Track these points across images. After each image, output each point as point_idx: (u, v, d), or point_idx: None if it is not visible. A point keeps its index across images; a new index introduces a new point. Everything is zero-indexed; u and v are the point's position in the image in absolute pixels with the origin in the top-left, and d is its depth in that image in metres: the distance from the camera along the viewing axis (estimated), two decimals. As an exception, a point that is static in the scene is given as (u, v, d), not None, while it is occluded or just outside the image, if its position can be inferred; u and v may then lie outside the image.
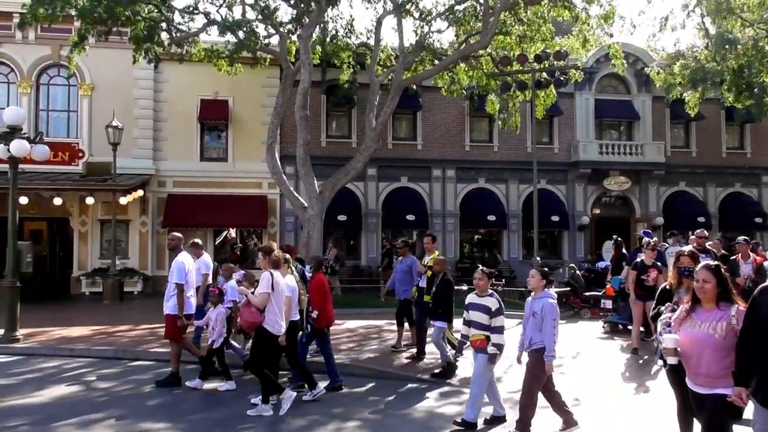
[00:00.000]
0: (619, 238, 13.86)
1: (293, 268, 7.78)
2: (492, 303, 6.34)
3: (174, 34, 16.74)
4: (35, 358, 10.32)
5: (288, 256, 7.72)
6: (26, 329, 11.69)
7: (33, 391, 8.02)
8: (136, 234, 20.94)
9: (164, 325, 8.52)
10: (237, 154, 22.17)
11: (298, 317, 7.59)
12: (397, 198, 23.14)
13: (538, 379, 5.89)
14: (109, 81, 20.84)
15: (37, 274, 23.32)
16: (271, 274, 6.89)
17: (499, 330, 6.27)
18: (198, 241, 11.83)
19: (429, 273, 9.16)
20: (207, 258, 11.57)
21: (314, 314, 7.86)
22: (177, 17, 17.00)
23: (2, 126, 11.80)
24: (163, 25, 16.59)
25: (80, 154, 17.79)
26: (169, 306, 8.23)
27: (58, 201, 17.82)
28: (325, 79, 22.48)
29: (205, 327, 8.88)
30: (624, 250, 13.65)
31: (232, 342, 8.77)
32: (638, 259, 10.22)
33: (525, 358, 6.12)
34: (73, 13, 16.05)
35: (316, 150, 22.42)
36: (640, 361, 9.65)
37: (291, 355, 7.51)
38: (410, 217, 22.50)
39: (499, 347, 6.24)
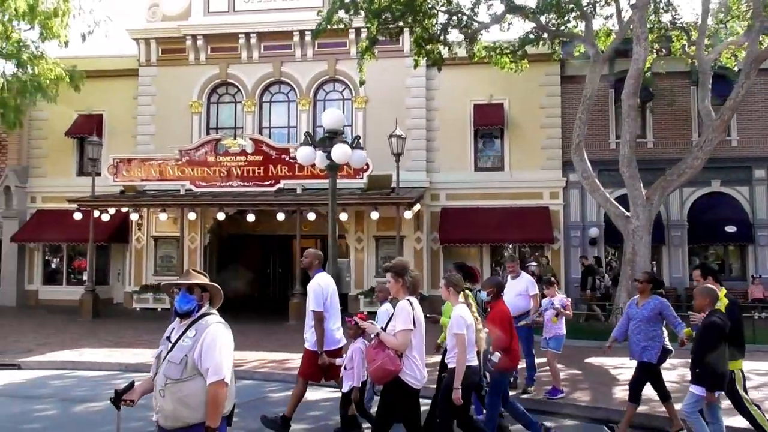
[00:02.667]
0: None
1: (470, 295, 5.85)
2: None
3: (469, 27, 15.07)
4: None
5: (459, 278, 5.75)
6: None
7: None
8: (410, 251, 19.70)
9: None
10: (514, 162, 20.03)
11: (475, 362, 5.56)
12: (707, 206, 19.16)
13: None
14: (381, 92, 20.09)
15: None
16: (411, 304, 4.94)
17: None
18: (514, 255, 9.84)
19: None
20: (528, 277, 9.42)
21: (495, 357, 6.18)
22: (468, 9, 15.36)
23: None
24: (455, 19, 15.05)
25: (365, 167, 16.95)
26: (309, 339, 6.63)
27: (343, 216, 17.16)
28: (612, 71, 19.46)
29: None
30: None
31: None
32: None
33: None
34: (361, 18, 15.28)
35: (602, 153, 19.53)
36: None
37: (463, 414, 5.50)
38: (730, 229, 18.40)
39: None
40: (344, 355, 6.50)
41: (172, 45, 21.16)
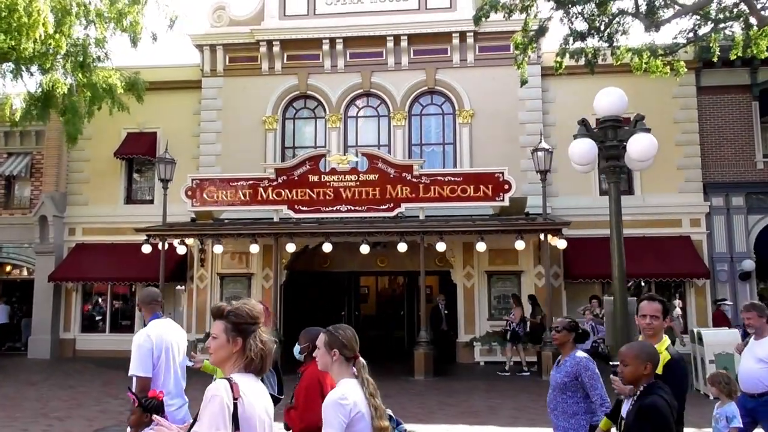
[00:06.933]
0: None
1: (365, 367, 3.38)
2: None
3: (659, 9, 12.47)
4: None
5: (350, 337, 3.40)
6: None
7: None
8: (530, 288, 16.78)
9: None
10: (646, 184, 17.34)
11: None
12: None
13: None
14: (489, 105, 17.41)
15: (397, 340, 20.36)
16: (231, 388, 2.64)
17: None
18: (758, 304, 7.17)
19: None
20: None
21: None
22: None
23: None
24: (630, 7, 12.50)
25: (506, 187, 14.16)
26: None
27: (481, 247, 14.11)
28: (756, 81, 17.13)
29: None
30: None
31: None
32: None
33: None
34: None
35: (745, 173, 17.04)
36: None
37: None
38: None
39: None
40: None
41: (242, 53, 18.36)
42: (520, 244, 13.93)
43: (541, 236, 15.15)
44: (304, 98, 18.37)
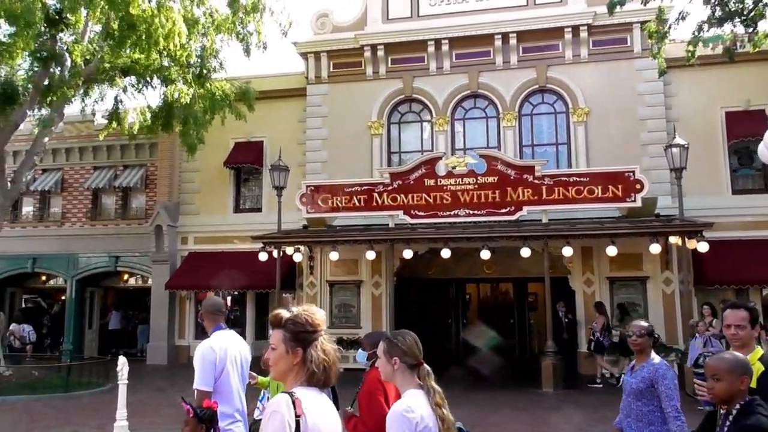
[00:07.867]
0: None
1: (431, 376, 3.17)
2: None
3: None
4: None
5: (411, 343, 3.15)
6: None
7: None
8: (657, 295, 15.73)
9: None
10: (785, 181, 15.95)
11: None
12: None
13: None
14: (605, 102, 16.50)
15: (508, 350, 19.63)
16: (293, 403, 2.35)
17: None
18: None
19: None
20: None
21: None
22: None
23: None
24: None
25: (638, 186, 13.29)
26: None
27: (611, 251, 13.26)
28: None
29: None
30: None
31: None
32: None
33: None
34: None
35: None
36: None
37: None
38: None
39: None
40: None
41: (345, 58, 18.27)
42: (655, 248, 12.96)
43: (671, 239, 14.16)
44: (409, 102, 18.05)
